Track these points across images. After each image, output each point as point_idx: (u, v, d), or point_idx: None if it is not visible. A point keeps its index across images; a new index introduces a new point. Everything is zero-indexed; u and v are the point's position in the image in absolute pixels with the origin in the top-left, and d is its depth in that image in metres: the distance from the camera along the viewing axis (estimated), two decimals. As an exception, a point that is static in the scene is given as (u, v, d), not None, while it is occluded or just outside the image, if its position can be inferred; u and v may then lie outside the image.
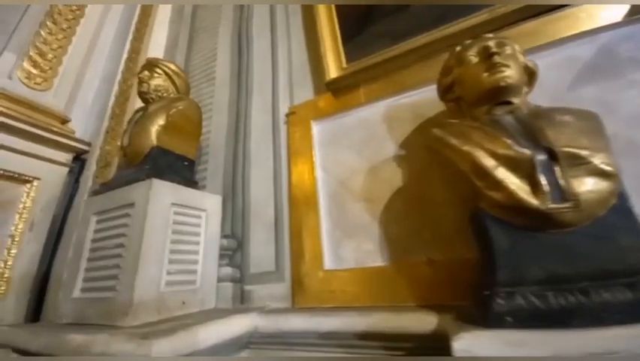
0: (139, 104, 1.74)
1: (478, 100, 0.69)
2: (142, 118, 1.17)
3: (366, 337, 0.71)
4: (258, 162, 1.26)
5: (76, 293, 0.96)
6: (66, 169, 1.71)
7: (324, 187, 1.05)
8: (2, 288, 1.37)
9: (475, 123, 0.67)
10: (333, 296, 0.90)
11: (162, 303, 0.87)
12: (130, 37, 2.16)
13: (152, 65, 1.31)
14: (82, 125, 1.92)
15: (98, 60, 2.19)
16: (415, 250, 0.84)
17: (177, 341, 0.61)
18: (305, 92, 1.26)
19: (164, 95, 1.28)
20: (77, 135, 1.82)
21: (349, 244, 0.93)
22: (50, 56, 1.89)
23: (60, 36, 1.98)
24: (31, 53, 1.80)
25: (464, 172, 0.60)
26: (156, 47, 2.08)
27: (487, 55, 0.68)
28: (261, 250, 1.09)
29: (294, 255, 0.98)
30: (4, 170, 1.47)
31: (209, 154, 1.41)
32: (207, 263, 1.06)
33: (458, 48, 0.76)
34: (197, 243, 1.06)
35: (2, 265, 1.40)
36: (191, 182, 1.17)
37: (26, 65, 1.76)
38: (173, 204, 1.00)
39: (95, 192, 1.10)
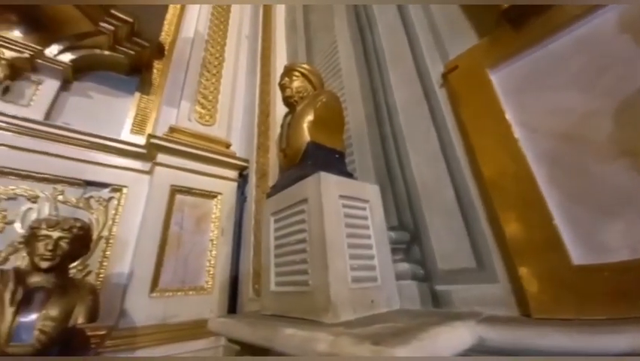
0: (279, 117, 1.93)
1: None
2: (292, 119, 1.21)
3: None
4: (415, 141, 1.08)
5: (273, 287, 1.03)
6: (235, 184, 2.06)
7: (534, 149, 0.75)
8: (209, 283, 1.73)
9: None
10: (595, 302, 0.60)
11: (355, 300, 0.81)
12: (258, 65, 2.46)
13: (289, 70, 1.36)
14: (238, 147, 2.29)
15: (239, 93, 2.61)
16: None
17: (417, 350, 0.50)
18: (462, 43, 1.00)
19: (305, 94, 1.29)
20: (238, 155, 2.17)
21: (613, 225, 0.61)
22: (210, 97, 2.36)
23: (213, 80, 2.45)
24: (198, 98, 2.28)
25: None
26: (281, 65, 2.26)
27: None
28: (446, 242, 0.89)
29: (507, 247, 0.73)
30: (200, 189, 1.89)
31: (352, 146, 1.35)
32: (382, 258, 0.96)
33: None
34: (369, 236, 0.97)
35: (208, 265, 1.77)
36: (347, 174, 1.11)
37: (197, 107, 2.24)
38: (341, 196, 0.95)
39: (268, 195, 1.21)
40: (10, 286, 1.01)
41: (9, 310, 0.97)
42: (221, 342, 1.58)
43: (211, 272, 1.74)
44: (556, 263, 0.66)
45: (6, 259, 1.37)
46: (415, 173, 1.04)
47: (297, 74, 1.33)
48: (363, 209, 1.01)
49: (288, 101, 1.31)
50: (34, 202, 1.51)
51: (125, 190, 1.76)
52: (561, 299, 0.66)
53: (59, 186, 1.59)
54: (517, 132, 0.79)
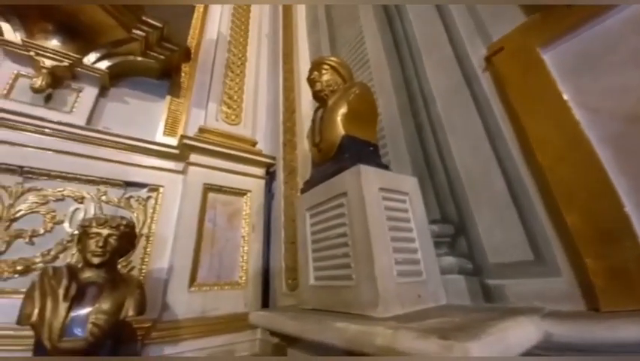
0: (305, 113, 1.93)
1: None
2: (325, 113, 1.20)
3: None
4: (456, 129, 1.03)
5: (312, 282, 1.03)
6: (263, 181, 2.09)
7: (597, 132, 0.69)
8: (243, 278, 1.77)
9: None
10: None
11: (402, 295, 0.79)
12: (280, 63, 2.47)
13: (318, 64, 1.35)
14: (263, 145, 2.32)
15: (261, 92, 2.63)
16: None
17: (488, 345, 0.47)
18: (505, 23, 0.94)
19: (335, 87, 1.28)
20: (264, 153, 2.19)
21: None
22: (235, 97, 2.40)
23: (237, 80, 2.48)
24: (224, 98, 2.32)
25: None
26: (303, 62, 2.25)
27: None
28: (497, 235, 0.85)
29: (571, 238, 0.68)
30: (231, 187, 1.93)
31: (385, 138, 1.32)
32: (425, 252, 0.93)
33: None
34: (410, 230, 0.94)
35: (241, 260, 1.81)
36: (383, 166, 1.08)
37: (223, 107, 2.28)
38: (381, 189, 0.93)
39: (302, 190, 1.20)
40: (64, 282, 1.07)
41: (62, 306, 1.03)
42: (257, 335, 1.61)
43: (244, 267, 1.78)
44: (628, 253, 0.60)
45: (56, 257, 1.47)
46: (458, 163, 1.00)
47: (326, 67, 1.32)
48: (403, 202, 0.99)
49: (318, 95, 1.30)
50: (80, 203, 1.60)
51: (161, 190, 1.83)
52: (633, 291, 0.60)
53: (102, 187, 1.68)
54: (577, 113, 0.73)
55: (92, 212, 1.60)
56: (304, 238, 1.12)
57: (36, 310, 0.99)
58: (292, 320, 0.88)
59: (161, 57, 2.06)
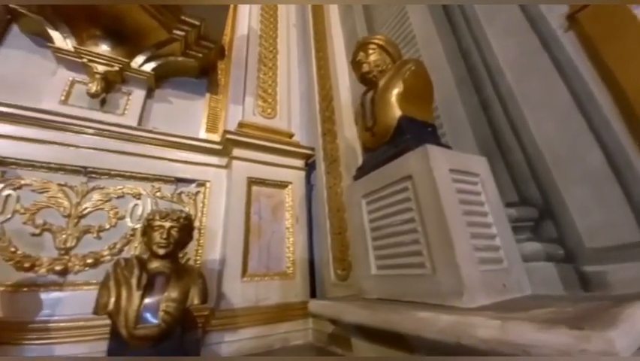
0: (344, 101, 1.87)
1: None
2: (377, 95, 1.14)
3: None
4: (533, 100, 0.92)
5: (374, 271, 0.99)
6: (303, 173, 2.08)
7: None
8: (291, 269, 1.78)
9: None
10: None
11: (487, 284, 0.72)
12: (313, 52, 2.42)
13: (363, 44, 1.28)
14: (300, 136, 2.30)
15: (294, 83, 2.61)
16: None
17: (627, 333, 0.40)
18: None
19: (384, 67, 1.20)
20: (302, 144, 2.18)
21: None
22: (270, 90, 2.40)
23: (270, 73, 2.48)
24: (259, 93, 2.33)
25: None
26: (338, 48, 2.17)
27: None
28: (595, 215, 0.75)
29: None
30: (273, 180, 1.94)
31: (440, 117, 1.23)
32: (504, 238, 0.84)
33: None
34: (485, 214, 0.86)
35: (287, 251, 1.82)
36: (446, 147, 1.00)
37: (259, 102, 2.29)
38: (451, 170, 0.85)
39: (355, 178, 1.16)
40: (136, 272, 1.13)
41: (136, 295, 1.08)
42: (309, 325, 1.62)
43: (291, 258, 1.79)
44: None
45: (121, 250, 1.57)
46: (538, 138, 0.89)
47: (372, 47, 1.24)
48: (475, 184, 0.90)
49: (366, 77, 1.23)
50: (138, 199, 1.69)
51: (208, 185, 1.89)
52: None
53: (156, 184, 1.76)
54: None
55: (148, 208, 1.69)
56: (361, 226, 1.08)
57: (112, 300, 1.06)
58: (364, 310, 0.84)
59: (200, 55, 2.10)
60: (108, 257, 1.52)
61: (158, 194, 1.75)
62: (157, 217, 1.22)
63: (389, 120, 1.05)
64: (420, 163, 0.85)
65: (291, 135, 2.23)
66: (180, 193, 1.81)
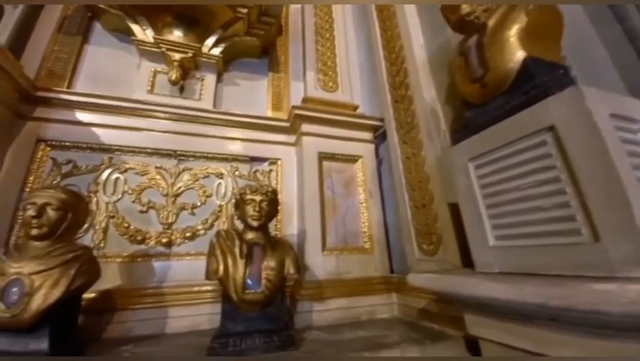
0: (420, 61, 1.68)
1: None
2: (486, 37, 0.97)
3: None
4: None
5: (493, 242, 0.88)
6: (372, 145, 1.98)
7: None
8: (368, 244, 1.74)
9: None
10: None
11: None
12: (374, 14, 2.21)
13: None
14: (363, 109, 2.18)
15: (351, 52, 2.46)
16: None
17: None
18: None
19: (490, 6, 1.01)
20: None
21: None
22: (329, 62, 2.29)
23: (328, 44, 2.36)
24: (318, 66, 2.24)
25: None
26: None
27: None
28: None
29: None
30: (342, 154, 1.89)
31: (566, 58, 1.00)
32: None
33: None
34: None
35: (363, 226, 1.78)
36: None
37: (319, 76, 2.21)
38: (612, 115, 0.68)
39: (455, 140, 1.03)
40: (237, 242, 1.19)
41: (240, 263, 1.15)
42: (393, 299, 1.58)
43: (367, 233, 1.75)
44: None
45: (212, 225, 1.70)
46: None
47: (471, -15, 1.05)
48: (637, 132, 0.72)
49: (465, 20, 1.06)
50: (220, 178, 1.80)
51: (279, 162, 1.92)
52: None
53: (234, 164, 1.84)
54: None
55: (230, 186, 1.78)
56: (469, 194, 0.96)
57: (221, 267, 1.13)
58: (502, 284, 0.74)
59: (261, 32, 2.08)
60: (202, 231, 1.65)
61: (236, 173, 1.83)
62: (248, 192, 1.26)
63: (508, 64, 0.89)
64: (569, 109, 0.69)
65: (355, 108, 2.13)
66: (255, 172, 1.88)
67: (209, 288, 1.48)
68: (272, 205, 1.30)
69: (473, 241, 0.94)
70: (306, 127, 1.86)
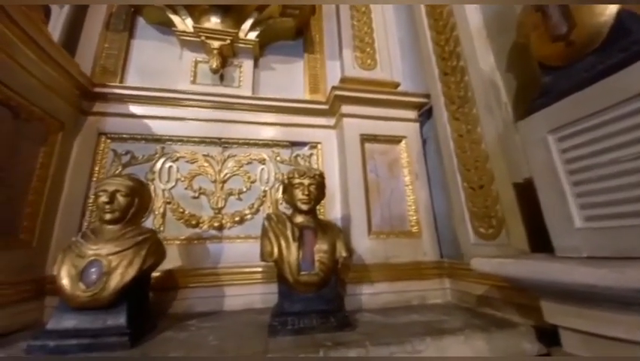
0: (474, 27, 1.51)
1: None
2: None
3: None
4: None
5: (579, 223, 0.78)
6: (417, 125, 1.87)
7: None
8: (415, 228, 1.67)
9: None
10: None
11: None
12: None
13: None
14: (405, 86, 2.05)
15: (390, 25, 2.30)
16: None
17: None
18: None
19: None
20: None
21: None
22: (366, 39, 2.16)
23: (364, 18, 2.22)
24: (355, 43, 2.12)
25: None
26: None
27: None
28: None
29: None
30: (385, 135, 1.81)
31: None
32: None
33: None
34: None
35: (409, 210, 1.71)
36: None
37: (357, 54, 2.09)
38: None
39: (530, 111, 0.92)
40: (289, 225, 1.20)
41: (293, 245, 1.16)
42: (446, 285, 1.53)
43: (414, 217, 1.68)
44: None
45: (257, 210, 1.74)
46: None
47: None
48: None
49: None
50: (263, 164, 1.82)
51: (319, 146, 1.89)
52: None
53: (275, 149, 1.85)
54: None
55: (272, 172, 1.80)
56: (548, 170, 0.86)
57: (275, 249, 1.15)
58: (597, 269, 0.65)
59: (296, 12, 2.02)
60: (249, 215, 1.70)
61: (278, 158, 1.84)
62: (296, 175, 1.25)
63: (599, 18, 0.75)
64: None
65: (396, 85, 2.01)
66: (296, 156, 1.87)
67: (259, 269, 1.54)
68: (320, 188, 1.28)
69: (553, 223, 0.85)
70: (346, 108, 1.80)
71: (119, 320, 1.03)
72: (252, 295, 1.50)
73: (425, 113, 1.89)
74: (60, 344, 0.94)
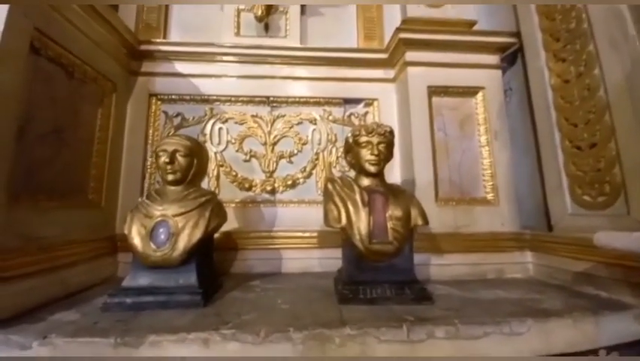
0: None
1: None
2: None
3: None
4: None
5: None
6: (499, 72, 1.55)
7: None
8: (491, 195, 1.46)
9: None
10: None
11: None
12: None
13: None
14: (482, 23, 1.68)
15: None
16: None
17: None
18: None
19: None
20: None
21: None
22: (432, -32, 1.78)
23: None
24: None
25: None
26: None
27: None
28: None
29: None
30: (457, 86, 1.52)
31: None
32: None
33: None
34: None
35: (484, 174, 1.48)
36: None
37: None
38: None
39: None
40: (357, 189, 1.08)
41: (363, 211, 1.03)
42: (527, 258, 1.35)
43: (490, 182, 1.46)
44: None
45: (310, 173, 1.64)
46: None
47: None
48: None
49: None
50: (314, 124, 1.68)
51: (375, 103, 1.69)
52: None
53: (327, 108, 1.68)
54: None
55: (325, 132, 1.66)
56: None
57: (343, 215, 1.05)
58: None
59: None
60: (302, 180, 1.62)
61: (330, 117, 1.68)
62: (363, 133, 1.10)
63: None
64: None
65: (471, 24, 1.65)
66: (350, 115, 1.69)
67: (314, 234, 1.48)
68: (389, 148, 1.12)
69: None
70: (410, 55, 1.53)
71: (190, 279, 1.03)
72: (309, 258, 1.46)
73: (510, 58, 1.55)
74: (137, 300, 0.96)
